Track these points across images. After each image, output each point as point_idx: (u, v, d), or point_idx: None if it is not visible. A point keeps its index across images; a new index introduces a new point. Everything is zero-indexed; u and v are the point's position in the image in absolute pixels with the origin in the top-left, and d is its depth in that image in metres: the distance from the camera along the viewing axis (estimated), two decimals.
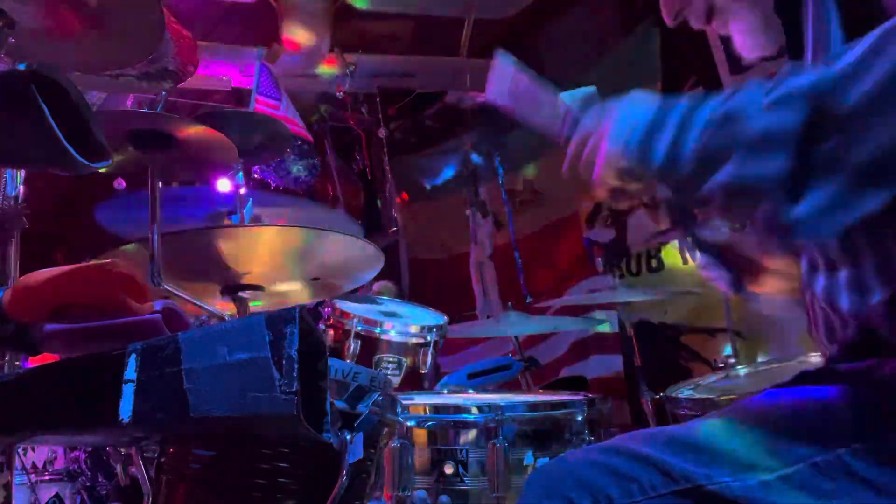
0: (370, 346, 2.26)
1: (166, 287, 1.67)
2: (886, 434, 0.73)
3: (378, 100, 5.40)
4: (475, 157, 5.99)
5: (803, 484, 0.73)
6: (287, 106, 4.14)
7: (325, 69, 4.86)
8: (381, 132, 5.57)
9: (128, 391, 0.84)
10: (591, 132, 0.91)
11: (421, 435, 1.60)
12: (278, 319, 0.81)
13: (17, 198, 1.78)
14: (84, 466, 2.26)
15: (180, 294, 1.73)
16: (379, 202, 6.54)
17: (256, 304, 1.91)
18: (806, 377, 0.87)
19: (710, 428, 0.82)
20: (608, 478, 0.79)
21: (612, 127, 0.86)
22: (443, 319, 2.46)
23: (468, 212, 5.47)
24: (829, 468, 0.73)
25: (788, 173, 0.67)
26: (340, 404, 0.94)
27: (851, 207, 0.66)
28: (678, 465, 0.77)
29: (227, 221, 2.34)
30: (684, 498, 0.76)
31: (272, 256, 1.86)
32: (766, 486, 0.74)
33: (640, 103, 0.84)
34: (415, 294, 5.77)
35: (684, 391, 2.05)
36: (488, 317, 5.10)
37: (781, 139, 0.68)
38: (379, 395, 0.98)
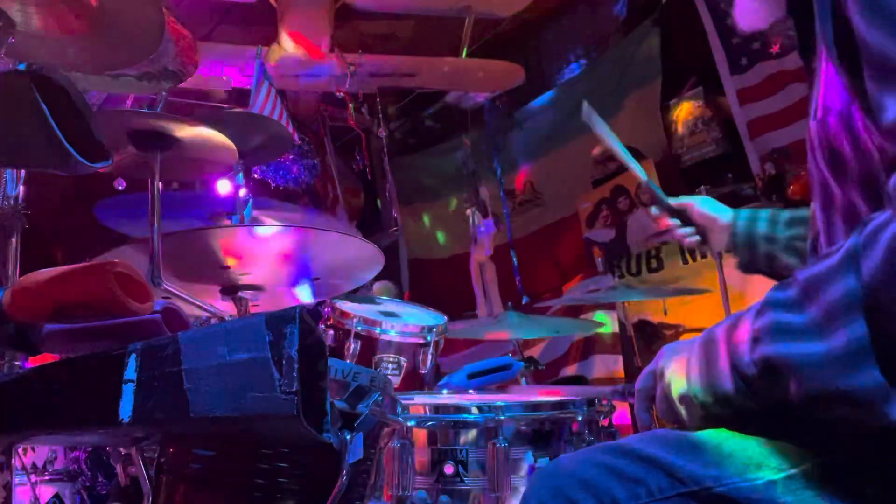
0: (370, 346, 2.26)
1: (166, 287, 1.67)
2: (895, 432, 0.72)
3: (378, 100, 5.40)
4: (475, 157, 5.99)
5: (811, 484, 0.73)
6: (266, 102, 4.07)
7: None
8: (381, 132, 5.57)
9: (128, 391, 0.84)
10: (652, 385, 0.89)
11: (421, 435, 1.59)
12: (278, 319, 0.81)
13: (17, 198, 1.78)
14: (84, 466, 2.26)
15: (180, 294, 1.73)
16: (379, 202, 6.55)
17: None
18: None
19: (716, 429, 0.80)
20: (613, 479, 0.78)
21: (670, 371, 0.84)
22: (443, 319, 2.46)
23: (468, 212, 5.47)
24: (837, 467, 0.72)
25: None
26: (340, 404, 0.94)
27: None
28: (685, 466, 0.76)
29: (226, 221, 2.35)
30: (692, 500, 0.75)
31: (272, 256, 1.86)
32: (774, 485, 0.73)
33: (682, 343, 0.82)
34: (415, 294, 5.77)
35: None
36: (489, 316, 5.10)
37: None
38: (379, 395, 0.98)
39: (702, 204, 1.48)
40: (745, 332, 0.72)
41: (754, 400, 0.73)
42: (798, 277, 0.70)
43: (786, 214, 1.33)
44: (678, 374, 0.82)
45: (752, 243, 1.34)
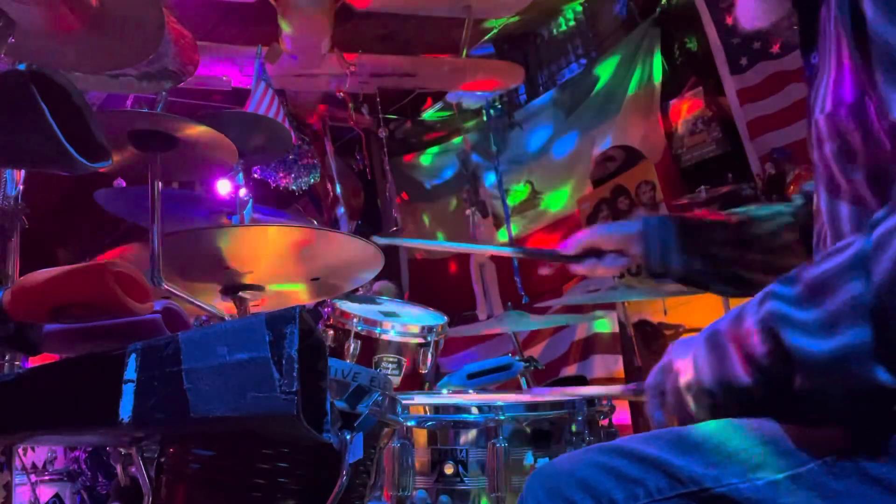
0: (370, 346, 2.26)
1: (166, 287, 1.67)
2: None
3: (378, 100, 5.40)
4: (475, 157, 5.99)
5: (813, 484, 0.72)
6: (262, 101, 4.06)
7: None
8: (381, 132, 5.57)
9: (128, 391, 0.84)
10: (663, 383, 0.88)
11: (421, 435, 1.59)
12: (278, 319, 0.81)
13: (17, 198, 1.78)
14: (84, 466, 2.26)
15: (180, 294, 1.73)
16: (379, 202, 6.54)
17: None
18: None
19: (716, 428, 0.80)
20: (612, 480, 0.77)
21: (679, 369, 0.84)
22: (443, 319, 2.46)
23: (468, 212, 5.47)
24: (840, 467, 0.72)
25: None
26: (340, 404, 0.94)
27: None
28: (685, 466, 0.76)
29: (226, 221, 2.35)
30: (691, 501, 0.75)
31: (272, 256, 1.86)
32: (775, 486, 0.73)
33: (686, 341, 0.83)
34: (415, 294, 5.77)
35: None
36: (489, 317, 5.10)
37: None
38: (379, 395, 0.98)
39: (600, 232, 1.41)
40: (751, 324, 0.73)
41: (770, 388, 0.73)
42: (803, 276, 0.70)
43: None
44: (687, 370, 0.82)
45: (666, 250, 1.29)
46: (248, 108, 3.90)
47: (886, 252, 0.63)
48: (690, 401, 0.82)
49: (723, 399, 0.78)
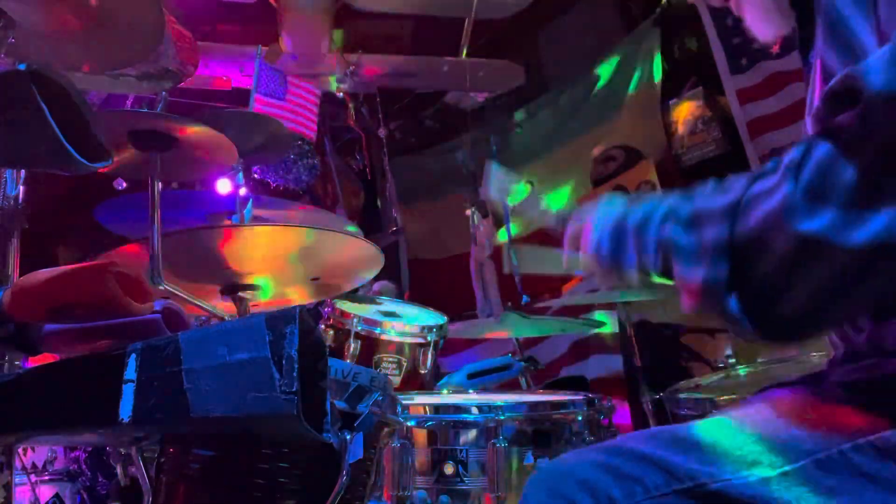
0: (370, 346, 2.26)
1: (166, 287, 1.67)
2: (889, 428, 0.73)
3: (378, 100, 5.39)
4: (474, 158, 5.99)
5: (806, 480, 0.73)
6: (296, 101, 4.08)
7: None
8: (381, 132, 5.56)
9: (128, 391, 0.84)
10: (575, 236, 1.03)
11: (421, 435, 1.59)
12: (278, 319, 0.81)
13: (17, 198, 1.78)
14: (84, 466, 2.26)
15: (180, 294, 1.73)
16: (379, 202, 6.54)
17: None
18: (809, 376, 0.87)
19: (712, 426, 0.81)
20: (610, 478, 0.78)
21: (588, 238, 0.97)
22: (443, 319, 2.46)
23: (468, 212, 5.47)
24: (832, 464, 0.73)
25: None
26: (340, 404, 0.94)
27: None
28: (681, 464, 0.77)
29: (227, 221, 2.35)
30: (688, 497, 0.76)
31: (272, 256, 1.86)
32: (768, 482, 0.74)
33: (605, 212, 0.95)
34: (415, 294, 5.77)
35: (684, 391, 2.05)
36: (488, 316, 5.10)
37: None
38: (379, 395, 0.98)
39: None
40: (651, 240, 0.84)
41: (648, 281, 0.89)
42: (696, 204, 0.80)
43: None
44: (592, 243, 0.95)
45: None
46: (281, 109, 3.90)
47: (750, 213, 0.72)
48: (591, 255, 0.94)
49: (612, 272, 0.92)
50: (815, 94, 0.83)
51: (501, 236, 5.24)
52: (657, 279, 0.86)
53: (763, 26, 0.99)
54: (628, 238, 0.88)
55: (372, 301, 2.54)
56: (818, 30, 0.77)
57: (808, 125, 0.83)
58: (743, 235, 0.73)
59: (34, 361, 1.46)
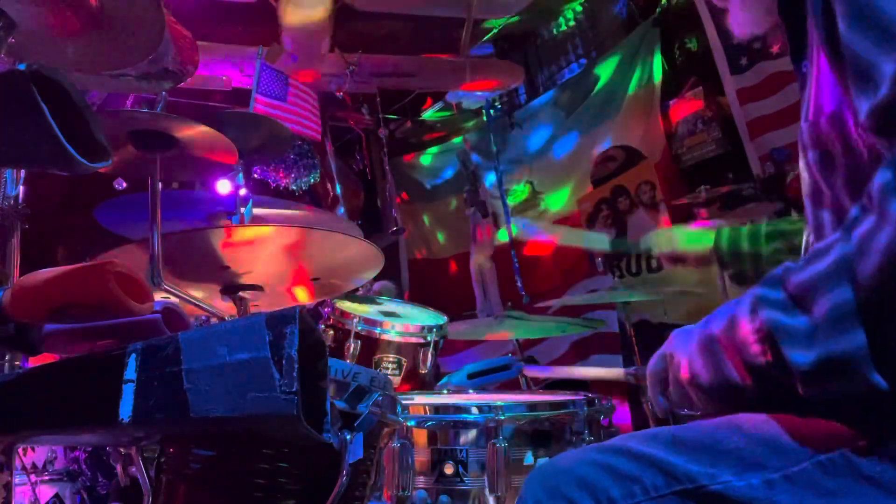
0: (370, 346, 2.26)
1: (166, 287, 1.67)
2: (890, 431, 0.72)
3: (378, 100, 5.40)
4: (475, 157, 5.99)
5: (808, 482, 0.73)
6: (298, 103, 4.09)
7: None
8: (381, 132, 5.56)
9: (128, 391, 0.84)
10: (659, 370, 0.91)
11: (421, 435, 1.59)
12: (278, 319, 0.81)
13: (17, 198, 1.78)
14: (84, 466, 2.26)
15: (180, 294, 1.73)
16: (379, 202, 6.54)
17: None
18: None
19: (712, 427, 0.81)
20: (609, 478, 0.78)
21: (677, 365, 0.85)
22: (443, 319, 2.46)
23: (468, 212, 5.47)
24: (834, 467, 0.73)
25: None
26: (340, 404, 0.94)
27: None
28: (681, 464, 0.76)
29: (226, 221, 2.34)
30: (687, 498, 0.75)
31: (272, 256, 1.86)
32: (770, 485, 0.73)
33: (684, 335, 0.84)
34: (415, 294, 5.77)
35: None
36: (488, 316, 5.10)
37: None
38: (379, 395, 0.98)
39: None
40: (748, 332, 0.73)
41: (772, 391, 0.74)
42: (789, 279, 0.70)
43: (764, 229, 1.34)
44: (685, 367, 0.83)
45: (738, 261, 1.36)
46: (280, 110, 3.90)
47: (868, 256, 0.63)
48: (692, 393, 0.82)
49: (723, 398, 0.78)
50: (810, 101, 0.83)
51: (501, 236, 5.25)
52: (773, 378, 0.72)
53: (743, 21, 0.99)
54: (720, 346, 0.77)
55: (372, 301, 2.54)
56: (837, 17, 0.71)
57: (804, 132, 0.83)
58: (870, 285, 0.63)
59: (34, 361, 1.46)
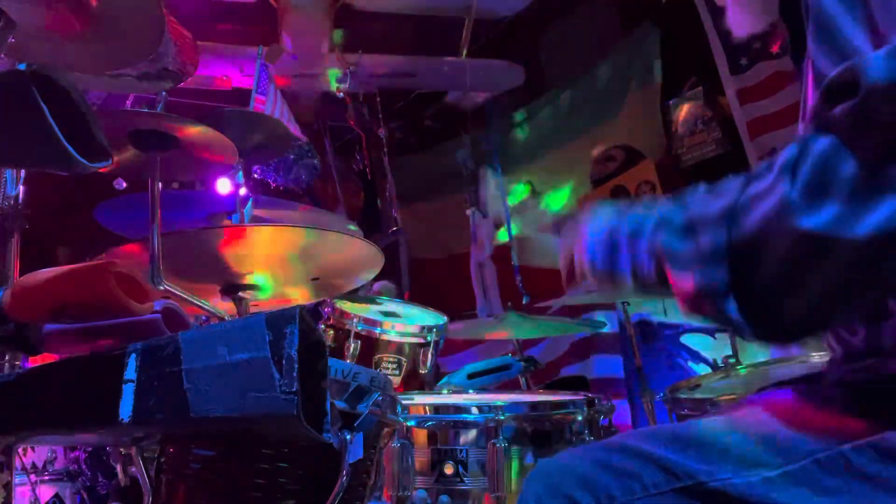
0: (370, 346, 2.26)
1: (166, 287, 1.67)
2: (889, 430, 0.73)
3: (378, 100, 5.39)
4: (475, 157, 5.99)
5: (807, 480, 0.73)
6: (275, 104, 4.09)
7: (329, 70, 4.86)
8: (381, 132, 5.56)
9: (128, 391, 0.84)
10: (570, 245, 1.02)
11: (421, 435, 1.60)
12: (278, 319, 0.81)
13: (17, 198, 1.78)
14: (84, 466, 2.25)
15: (180, 294, 1.73)
16: (379, 202, 6.54)
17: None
18: (809, 377, 0.87)
19: (712, 425, 0.81)
20: (609, 476, 0.78)
21: (582, 249, 0.96)
22: (443, 319, 2.46)
23: (468, 212, 5.47)
24: (833, 464, 0.73)
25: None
26: (340, 404, 0.94)
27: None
28: (680, 462, 0.77)
29: (227, 221, 2.35)
30: (686, 495, 0.75)
31: (272, 256, 1.86)
32: (769, 482, 0.73)
33: (598, 221, 0.94)
34: (415, 294, 5.77)
35: (684, 391, 2.05)
36: (488, 316, 5.10)
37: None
38: (379, 395, 0.98)
39: None
40: (644, 248, 0.84)
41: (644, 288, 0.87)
42: (691, 210, 0.79)
43: None
44: (586, 249, 0.94)
45: None
46: (263, 108, 3.91)
47: (748, 216, 0.72)
48: (586, 266, 0.94)
49: (609, 278, 0.91)
50: (807, 100, 0.83)
51: (501, 236, 5.24)
52: (652, 287, 0.85)
53: (742, 20, 1.00)
54: (622, 247, 0.88)
55: (372, 301, 2.54)
56: (808, 33, 0.76)
57: (801, 132, 0.83)
58: (741, 239, 0.72)
59: (34, 361, 1.46)
